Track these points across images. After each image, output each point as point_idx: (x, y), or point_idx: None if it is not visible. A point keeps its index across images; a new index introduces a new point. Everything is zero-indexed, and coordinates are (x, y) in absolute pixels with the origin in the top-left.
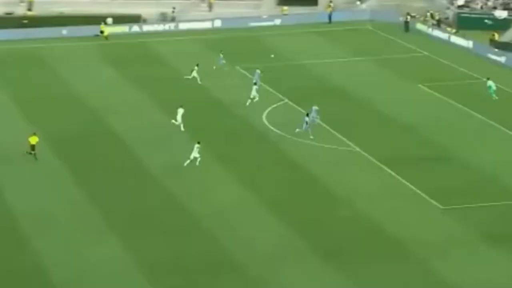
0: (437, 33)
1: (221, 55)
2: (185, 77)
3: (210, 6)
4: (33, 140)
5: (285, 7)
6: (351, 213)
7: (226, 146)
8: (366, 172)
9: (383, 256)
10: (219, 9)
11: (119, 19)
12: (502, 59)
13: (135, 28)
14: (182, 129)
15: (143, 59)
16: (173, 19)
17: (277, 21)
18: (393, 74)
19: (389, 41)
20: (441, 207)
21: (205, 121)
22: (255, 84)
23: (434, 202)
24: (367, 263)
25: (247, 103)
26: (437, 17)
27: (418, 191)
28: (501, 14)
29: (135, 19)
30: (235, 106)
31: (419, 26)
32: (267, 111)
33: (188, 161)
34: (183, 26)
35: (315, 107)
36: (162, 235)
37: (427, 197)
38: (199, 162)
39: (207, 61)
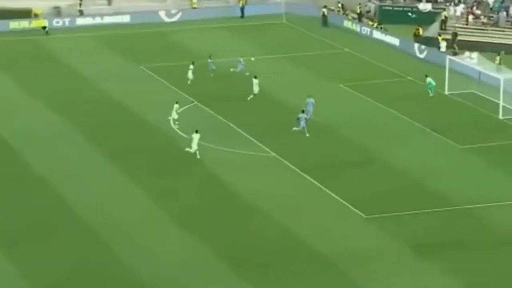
0: (358, 27)
1: (210, 60)
2: (189, 81)
3: None
4: None
5: (195, 0)
6: (266, 223)
7: (131, 153)
8: (284, 179)
9: (301, 268)
10: (119, 2)
11: (7, 14)
12: (426, 55)
13: (25, 23)
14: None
15: (33, 58)
16: (81, 13)
17: (185, 16)
18: (311, 73)
19: (306, 36)
20: (365, 216)
21: (109, 128)
22: (255, 77)
23: (357, 211)
24: (284, 275)
25: (249, 98)
26: (358, 10)
27: (340, 199)
28: (426, 7)
29: (25, 14)
30: (140, 110)
31: (338, 20)
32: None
33: (190, 150)
34: (79, 21)
35: (310, 100)
36: (55, 249)
37: (349, 205)
38: (198, 154)
39: (106, 60)
